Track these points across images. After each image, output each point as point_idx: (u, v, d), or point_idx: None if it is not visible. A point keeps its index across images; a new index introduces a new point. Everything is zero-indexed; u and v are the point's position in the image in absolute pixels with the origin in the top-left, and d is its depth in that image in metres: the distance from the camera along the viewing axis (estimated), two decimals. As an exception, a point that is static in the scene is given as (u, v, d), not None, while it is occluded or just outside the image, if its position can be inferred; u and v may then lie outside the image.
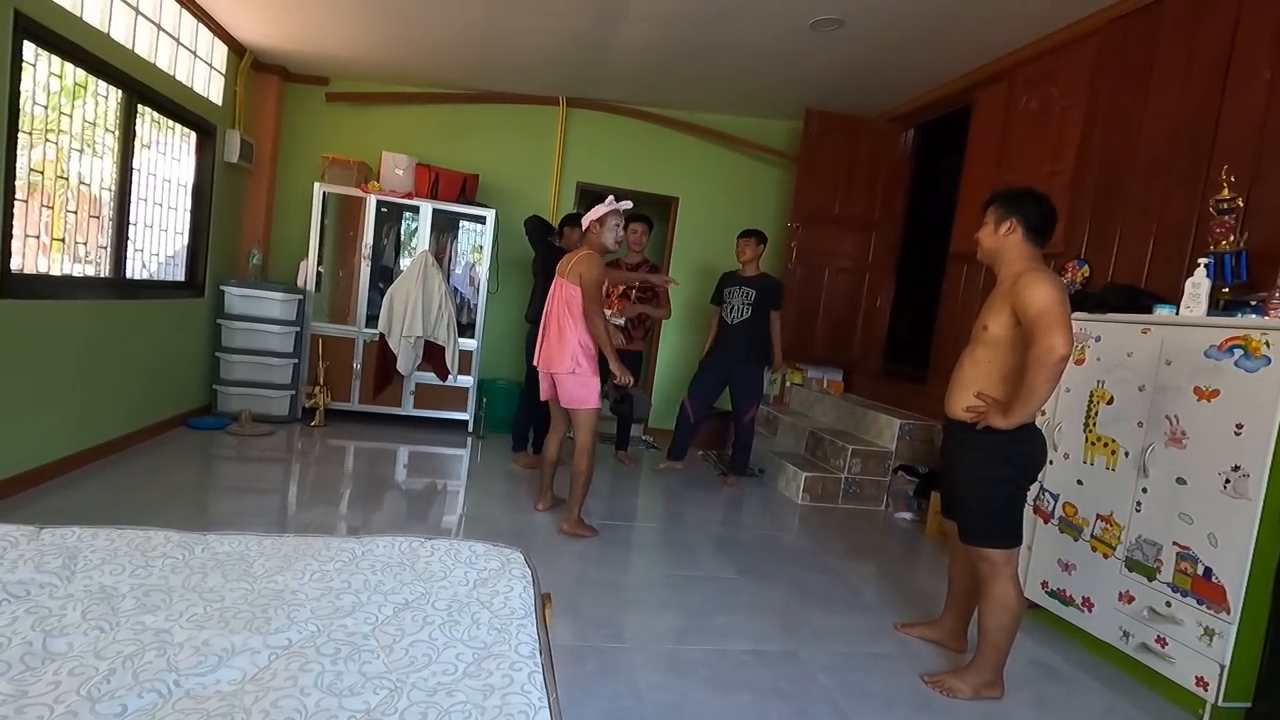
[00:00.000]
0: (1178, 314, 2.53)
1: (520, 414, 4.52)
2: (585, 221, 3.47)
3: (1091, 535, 2.68)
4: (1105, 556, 2.61)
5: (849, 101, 5.20)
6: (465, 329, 5.13)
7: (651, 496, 4.30)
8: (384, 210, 4.99)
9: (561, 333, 3.38)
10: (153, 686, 0.97)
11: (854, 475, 4.43)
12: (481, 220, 5.11)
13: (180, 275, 4.39)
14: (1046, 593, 2.86)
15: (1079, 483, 2.77)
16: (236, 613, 1.18)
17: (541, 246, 4.44)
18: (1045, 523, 2.91)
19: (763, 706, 2.09)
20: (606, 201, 3.43)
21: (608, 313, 4.90)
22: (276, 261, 5.15)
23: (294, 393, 4.80)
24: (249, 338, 4.64)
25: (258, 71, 4.88)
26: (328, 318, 4.91)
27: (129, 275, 3.81)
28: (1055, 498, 2.88)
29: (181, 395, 4.40)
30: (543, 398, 3.63)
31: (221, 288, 4.58)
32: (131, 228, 3.78)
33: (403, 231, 5.15)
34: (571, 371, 3.34)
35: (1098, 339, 2.76)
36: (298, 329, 4.76)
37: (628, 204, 3.52)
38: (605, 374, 3.50)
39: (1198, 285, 2.47)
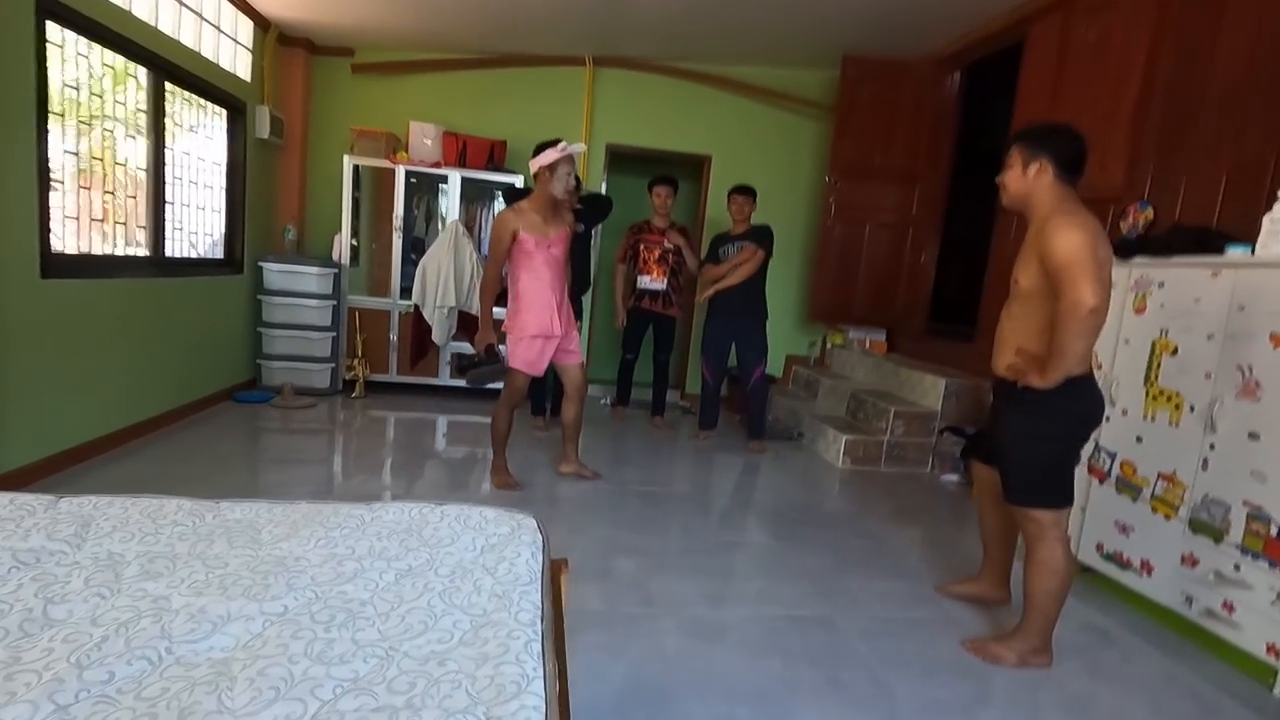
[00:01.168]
0: (1253, 254, 2.31)
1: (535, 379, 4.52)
2: (533, 166, 3.13)
3: (1152, 496, 2.51)
4: (1167, 518, 2.44)
5: (889, 44, 4.91)
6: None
7: (685, 463, 4.24)
8: (413, 181, 4.98)
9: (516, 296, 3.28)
10: (143, 654, 0.95)
11: (897, 438, 4.28)
12: (511, 187, 5.04)
13: (219, 253, 4.47)
14: (1102, 556, 2.71)
15: (1138, 440, 2.59)
16: (237, 579, 1.17)
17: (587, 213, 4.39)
18: (1101, 483, 2.74)
19: (794, 672, 2.03)
20: (558, 146, 3.09)
21: (647, 279, 4.84)
22: (312, 237, 5.20)
23: (334, 365, 4.88)
24: (288, 312, 4.71)
25: (284, 45, 4.88)
26: (364, 290, 4.96)
27: (169, 254, 3.89)
28: (1112, 456, 2.70)
29: (227, 370, 4.52)
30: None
31: (259, 264, 4.65)
32: (169, 207, 3.85)
33: (434, 202, 5.13)
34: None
35: (1161, 285, 2.55)
36: (334, 303, 4.82)
37: (580, 147, 3.23)
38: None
39: (1276, 221, 2.24)
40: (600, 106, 5.44)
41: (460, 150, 4.94)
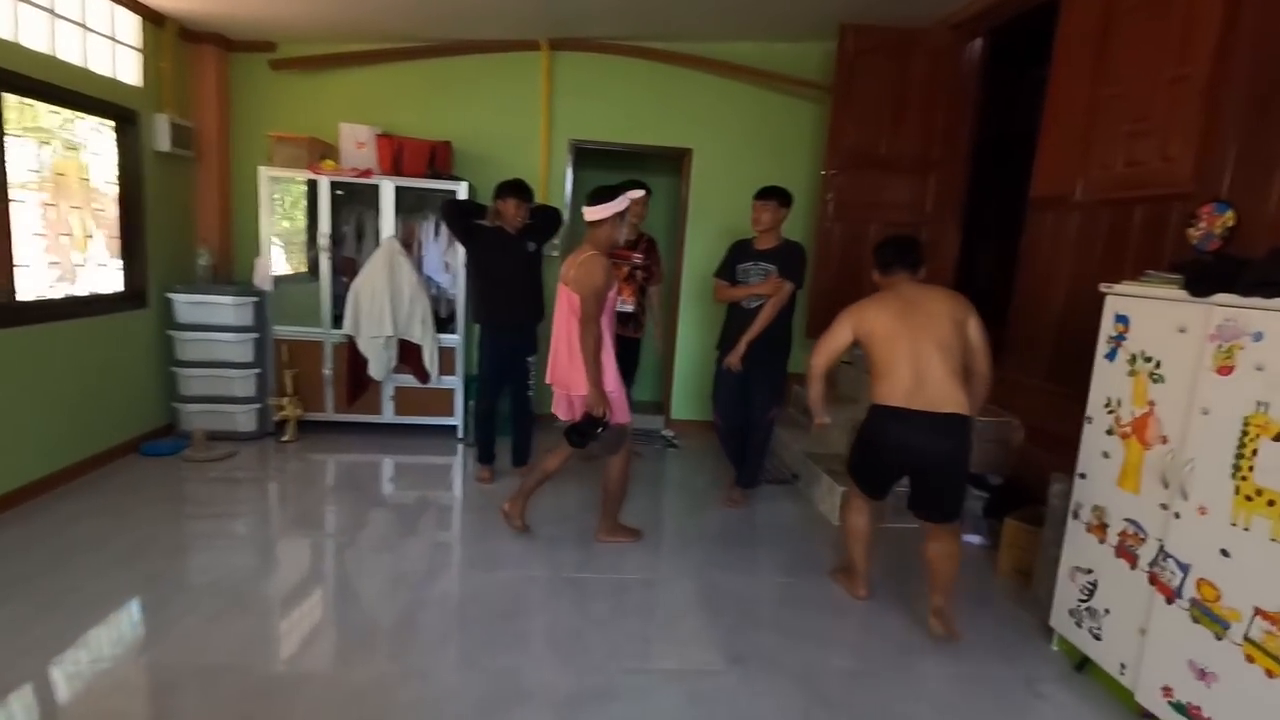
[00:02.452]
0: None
1: (481, 424, 3.90)
2: (596, 214, 2.87)
3: (1246, 638, 1.76)
4: (1271, 674, 1.70)
5: (896, 9, 4.12)
6: (445, 323, 4.48)
7: (650, 515, 3.56)
8: (339, 193, 4.35)
9: (572, 350, 2.89)
10: None
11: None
12: (452, 197, 4.38)
13: (116, 286, 3.91)
14: (1170, 704, 1.97)
15: (1224, 554, 1.84)
16: None
17: (463, 234, 3.76)
18: (1168, 601, 2.00)
19: None
20: (626, 195, 2.93)
21: (620, 299, 4.17)
22: (241, 261, 4.62)
23: (261, 406, 4.31)
24: (203, 348, 4.15)
25: (190, 43, 4.27)
26: (292, 320, 4.36)
27: (34, 295, 3.33)
28: (1184, 569, 1.96)
29: (133, 418, 3.98)
30: (563, 417, 3.07)
31: (167, 295, 4.09)
32: (41, 238, 3.27)
33: (369, 216, 4.49)
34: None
35: (1259, 337, 1.79)
36: (257, 335, 4.24)
37: (640, 193, 3.28)
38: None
39: None
40: (560, 97, 4.73)
41: (395, 155, 4.29)
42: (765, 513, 3.73)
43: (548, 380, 3.04)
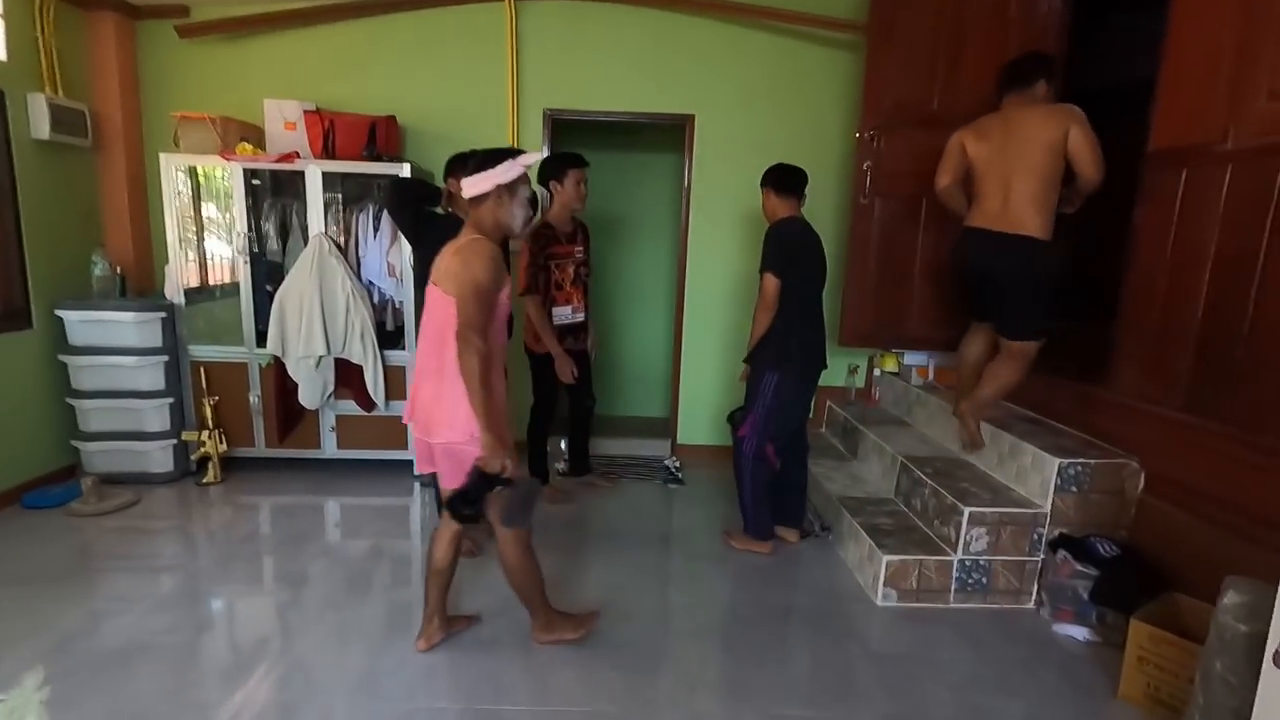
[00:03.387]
0: None
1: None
2: (473, 187, 1.97)
3: None
4: None
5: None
6: (392, 338, 3.68)
7: (628, 587, 2.68)
8: (257, 183, 3.59)
9: (443, 376, 1.97)
10: None
11: (976, 553, 2.59)
12: (395, 182, 3.57)
13: (-7, 302, 3.25)
14: None
15: None
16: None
17: (412, 227, 2.93)
18: None
19: None
20: (518, 160, 1.98)
21: (567, 309, 3.33)
22: (162, 269, 3.91)
23: (177, 441, 3.60)
24: (104, 375, 3.46)
25: (84, 9, 3.57)
26: (210, 339, 3.64)
27: None
28: None
29: (17, 461, 3.32)
30: (417, 470, 2.21)
31: (56, 312, 3.40)
32: None
33: (295, 209, 3.71)
34: (466, 442, 1.96)
35: None
36: (166, 357, 3.53)
37: (539, 156, 2.29)
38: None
39: None
40: (530, 57, 3.88)
41: (326, 134, 3.52)
42: (780, 579, 2.81)
43: (405, 419, 2.16)
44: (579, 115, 3.97)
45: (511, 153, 1.97)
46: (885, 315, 3.61)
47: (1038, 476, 2.60)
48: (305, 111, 3.57)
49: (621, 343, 4.98)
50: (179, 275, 3.56)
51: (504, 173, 1.94)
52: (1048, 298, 2.67)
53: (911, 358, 3.76)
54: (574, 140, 4.53)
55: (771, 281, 2.77)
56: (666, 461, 4.07)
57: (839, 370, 4.04)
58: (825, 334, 2.96)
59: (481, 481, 1.92)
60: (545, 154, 1.99)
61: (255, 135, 3.65)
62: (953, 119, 3.41)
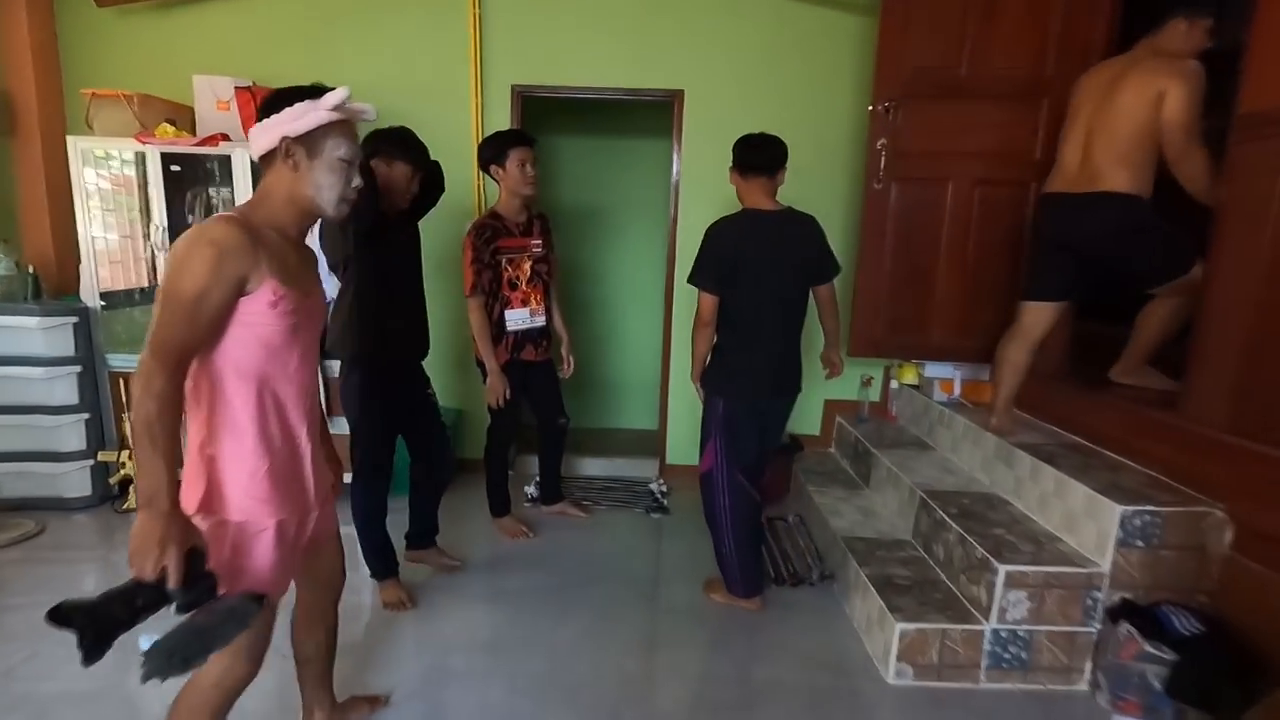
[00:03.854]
0: None
1: (373, 523, 2.52)
2: (255, 143, 1.32)
3: None
4: None
5: None
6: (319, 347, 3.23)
7: (575, 652, 2.20)
8: (176, 168, 3.15)
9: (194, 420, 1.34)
10: None
11: (1013, 621, 2.06)
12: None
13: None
14: None
15: None
16: None
17: (368, 233, 2.40)
18: None
19: None
20: (321, 102, 1.29)
21: (523, 313, 2.86)
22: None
23: (94, 461, 3.19)
24: (7, 388, 3.05)
25: (-11, -26, 3.18)
26: (131, 347, 3.22)
27: None
28: None
29: (-93, 486, 2.93)
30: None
31: (-51, 317, 3.01)
32: None
33: (220, 198, 3.28)
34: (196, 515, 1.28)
35: None
36: (80, 368, 3.12)
37: (368, 110, 1.41)
38: None
39: None
40: (496, 26, 3.41)
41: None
42: (769, 644, 2.30)
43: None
44: (552, 91, 3.49)
45: (312, 91, 1.31)
46: (902, 320, 3.08)
47: (1093, 526, 2.07)
48: (236, 88, 3.13)
49: (607, 348, 4.50)
50: (93, 274, 3.15)
51: (293, 120, 1.27)
52: (1167, 236, 2.26)
53: (934, 369, 3.22)
54: (549, 122, 4.06)
55: (703, 299, 2.29)
56: (652, 485, 3.58)
57: (851, 380, 3.51)
58: (793, 348, 2.37)
59: (129, 593, 1.12)
60: (346, 91, 1.24)
61: (186, 116, 3.23)
62: (985, 88, 2.90)
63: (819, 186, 3.38)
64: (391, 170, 2.34)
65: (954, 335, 3.02)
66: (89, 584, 2.61)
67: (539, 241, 2.87)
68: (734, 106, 3.42)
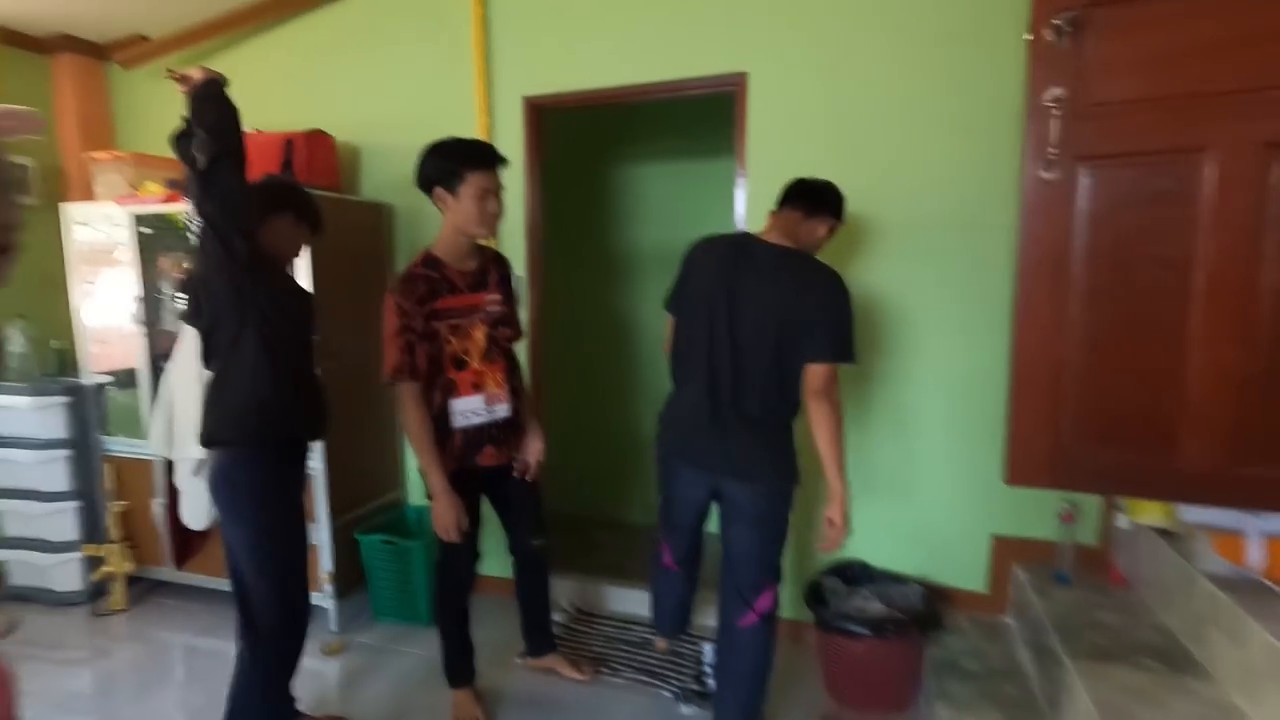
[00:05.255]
0: None
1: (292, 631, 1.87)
2: None
3: None
4: None
5: None
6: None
7: None
8: (147, 231, 2.78)
9: None
10: None
11: None
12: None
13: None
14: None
15: None
16: None
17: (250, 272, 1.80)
18: None
19: None
20: None
21: (475, 401, 1.97)
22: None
23: (81, 555, 2.91)
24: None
25: (41, 54, 3.19)
26: (122, 430, 2.91)
27: None
28: None
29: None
30: None
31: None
32: None
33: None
34: None
35: None
36: (71, 451, 2.87)
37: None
38: None
39: None
40: (503, 27, 2.67)
41: (231, 161, 2.65)
42: None
43: None
44: (574, 98, 2.63)
45: None
46: (1115, 421, 1.63)
47: None
48: (220, 136, 2.74)
49: (640, 424, 3.45)
50: (86, 352, 2.91)
51: None
52: None
53: (1195, 514, 1.69)
54: (575, 143, 3.24)
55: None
56: (705, 649, 2.40)
57: (1044, 512, 2.08)
58: (753, 418, 1.73)
59: None
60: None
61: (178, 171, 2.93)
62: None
63: (978, 205, 2.08)
64: (281, 222, 1.73)
65: (1229, 454, 1.51)
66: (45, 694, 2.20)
67: (496, 296, 1.98)
68: (819, 89, 2.27)
